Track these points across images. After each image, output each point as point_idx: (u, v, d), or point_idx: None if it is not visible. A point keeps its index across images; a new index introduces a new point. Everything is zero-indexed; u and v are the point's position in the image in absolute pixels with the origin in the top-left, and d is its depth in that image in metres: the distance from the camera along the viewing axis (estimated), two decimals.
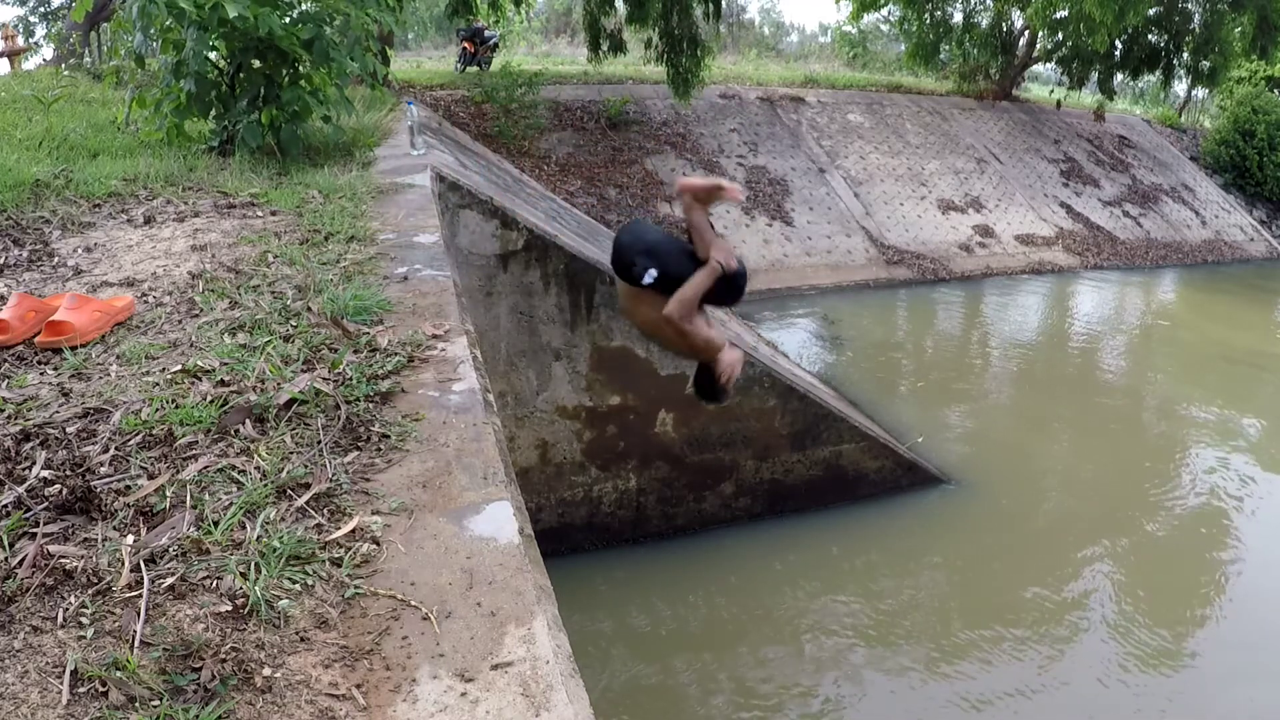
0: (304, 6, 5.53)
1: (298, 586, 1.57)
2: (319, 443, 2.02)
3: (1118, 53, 20.64)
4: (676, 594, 5.98)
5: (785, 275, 13.82)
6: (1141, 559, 6.55)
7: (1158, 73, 21.61)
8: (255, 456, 1.96)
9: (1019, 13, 20.31)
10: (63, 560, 1.58)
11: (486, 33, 17.78)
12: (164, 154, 5.39)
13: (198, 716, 1.28)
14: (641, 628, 5.66)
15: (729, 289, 3.51)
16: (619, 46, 16.45)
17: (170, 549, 1.63)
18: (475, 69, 17.27)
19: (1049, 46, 21.05)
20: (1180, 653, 5.55)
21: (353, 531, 1.73)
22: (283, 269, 3.29)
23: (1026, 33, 20.74)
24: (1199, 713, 5.08)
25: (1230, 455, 8.42)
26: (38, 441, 1.98)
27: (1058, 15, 18.11)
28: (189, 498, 1.79)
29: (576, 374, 6.17)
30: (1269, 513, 7.36)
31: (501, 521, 1.80)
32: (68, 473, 1.83)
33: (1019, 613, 5.89)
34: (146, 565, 1.58)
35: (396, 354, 2.50)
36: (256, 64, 5.57)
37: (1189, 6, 20.43)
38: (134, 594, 1.51)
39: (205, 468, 1.90)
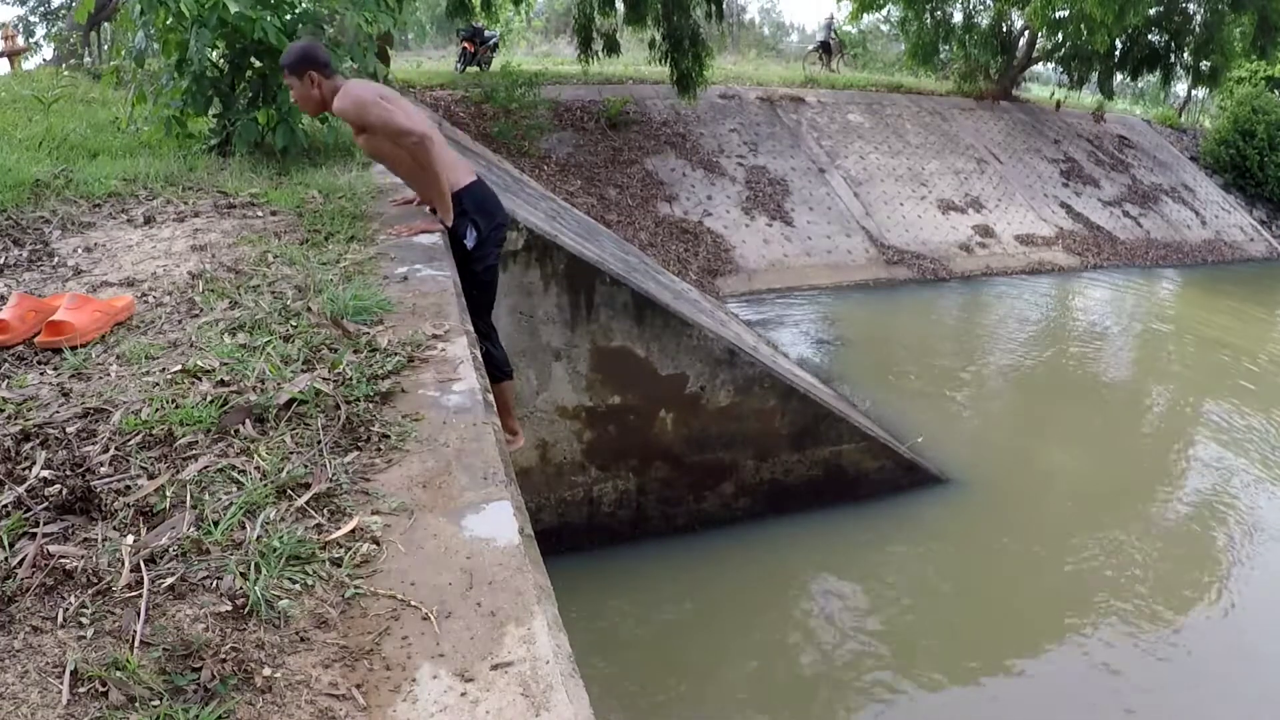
0: (304, 6, 5.52)
1: (298, 586, 1.57)
2: (319, 443, 2.02)
3: (1118, 53, 20.66)
4: (677, 594, 5.98)
5: (785, 275, 13.82)
6: (1143, 560, 6.54)
7: (1157, 73, 21.64)
8: (255, 456, 1.95)
9: (1019, 13, 20.26)
10: (63, 560, 1.58)
11: (486, 33, 17.80)
12: (164, 154, 5.38)
13: (197, 716, 1.28)
14: (641, 627, 5.66)
15: None
16: (614, 47, 16.45)
17: (170, 549, 1.63)
18: (475, 69, 17.28)
19: (1049, 46, 21.03)
20: (1182, 656, 5.54)
21: (352, 531, 1.73)
22: (283, 269, 3.28)
23: (1026, 33, 20.70)
24: (1198, 714, 5.08)
25: (1235, 457, 8.39)
26: (38, 441, 1.98)
27: (1058, 15, 18.07)
28: (189, 498, 1.78)
29: (576, 374, 6.17)
30: (1274, 514, 7.34)
31: (501, 521, 1.80)
32: (68, 473, 1.83)
33: (1021, 611, 5.90)
34: (146, 565, 1.58)
35: (396, 354, 2.50)
36: (256, 64, 5.56)
37: (1189, 6, 20.44)
38: (134, 594, 1.51)
39: (205, 468, 1.89)
